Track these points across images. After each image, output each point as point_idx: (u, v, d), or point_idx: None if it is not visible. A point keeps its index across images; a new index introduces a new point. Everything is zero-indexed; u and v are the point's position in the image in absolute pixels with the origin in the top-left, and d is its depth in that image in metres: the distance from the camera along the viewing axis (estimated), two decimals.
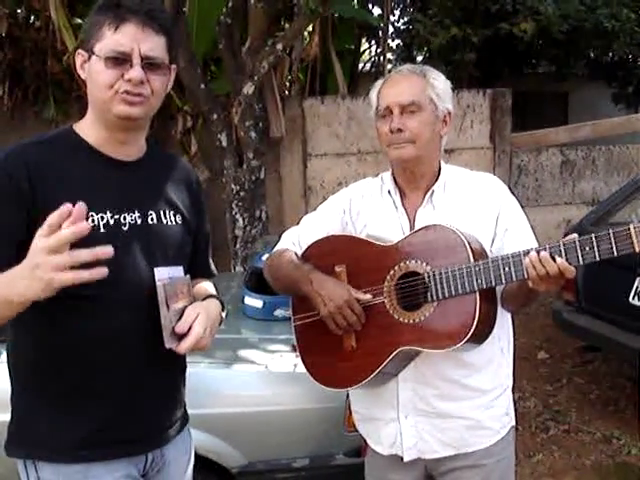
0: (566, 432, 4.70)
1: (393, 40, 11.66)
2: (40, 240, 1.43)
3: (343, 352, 2.11)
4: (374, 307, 2.06)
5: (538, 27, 8.94)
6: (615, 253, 1.75)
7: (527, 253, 1.85)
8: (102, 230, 1.72)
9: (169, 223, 1.88)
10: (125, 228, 1.77)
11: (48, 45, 7.47)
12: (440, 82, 2.16)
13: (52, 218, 1.42)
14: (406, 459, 2.18)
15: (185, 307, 1.81)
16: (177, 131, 7.75)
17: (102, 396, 1.78)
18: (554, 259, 1.80)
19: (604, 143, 8.95)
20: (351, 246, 2.17)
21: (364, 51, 11.54)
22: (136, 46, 1.71)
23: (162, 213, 1.87)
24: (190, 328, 1.76)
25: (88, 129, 1.82)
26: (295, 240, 2.30)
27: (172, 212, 1.90)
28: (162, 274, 1.77)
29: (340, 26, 9.06)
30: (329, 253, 2.18)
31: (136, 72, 1.71)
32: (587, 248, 1.78)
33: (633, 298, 4.41)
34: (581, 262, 1.79)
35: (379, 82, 2.21)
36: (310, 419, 2.58)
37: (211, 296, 1.98)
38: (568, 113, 14.07)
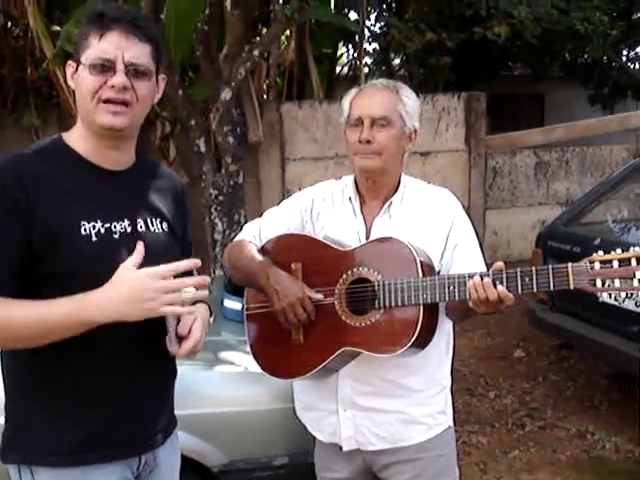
0: (542, 428, 4.78)
1: (370, 44, 11.74)
2: (159, 280, 1.66)
3: (291, 345, 2.21)
4: (324, 307, 2.16)
5: (512, 31, 9.05)
6: (551, 287, 1.89)
7: (472, 276, 1.95)
8: (94, 239, 1.75)
9: (157, 230, 1.90)
10: (116, 236, 1.79)
11: (27, 52, 7.46)
12: (411, 100, 2.25)
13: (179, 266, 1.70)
14: (345, 449, 2.29)
15: None
16: (156, 137, 7.78)
17: (100, 400, 1.81)
18: (495, 286, 1.91)
19: (578, 144, 9.07)
20: (309, 246, 2.27)
21: (341, 55, 11.60)
22: (120, 53, 1.73)
23: (150, 221, 1.89)
24: (190, 331, 1.81)
25: (77, 139, 1.84)
26: (256, 233, 2.39)
27: (159, 220, 1.92)
28: None
29: (317, 31, 9.11)
30: (287, 250, 2.29)
31: (119, 78, 1.73)
32: (527, 279, 1.91)
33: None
34: (520, 292, 1.92)
35: (353, 91, 2.30)
36: (289, 418, 2.62)
37: (200, 301, 2.01)
38: (544, 114, 14.21)
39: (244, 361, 2.94)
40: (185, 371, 2.79)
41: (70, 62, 1.82)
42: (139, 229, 1.86)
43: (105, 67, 1.74)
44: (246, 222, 6.66)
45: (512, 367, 5.93)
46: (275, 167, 8.13)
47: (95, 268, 1.73)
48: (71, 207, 1.75)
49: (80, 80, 1.77)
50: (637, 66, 13.57)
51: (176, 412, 2.10)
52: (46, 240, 1.70)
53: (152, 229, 1.90)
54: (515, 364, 6.00)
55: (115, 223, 1.81)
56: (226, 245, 6.89)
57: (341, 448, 2.30)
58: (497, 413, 5.03)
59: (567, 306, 4.98)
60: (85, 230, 1.75)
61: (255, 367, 2.33)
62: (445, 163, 8.34)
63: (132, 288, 1.65)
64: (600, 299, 4.47)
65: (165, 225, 1.94)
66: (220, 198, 6.65)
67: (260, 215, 2.49)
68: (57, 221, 1.72)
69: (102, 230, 1.77)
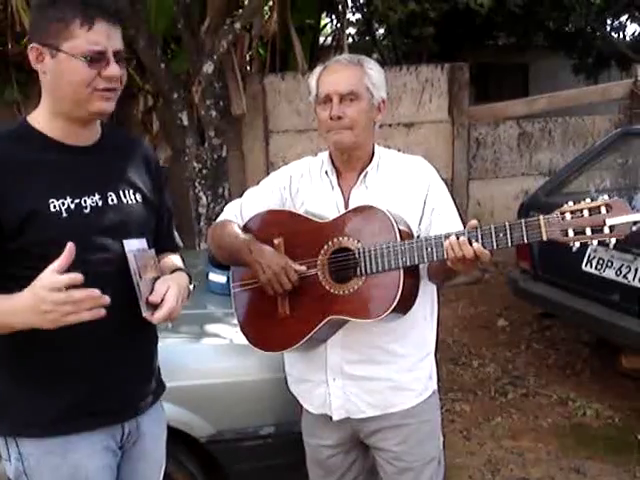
0: (524, 396, 4.86)
1: (353, 14, 11.67)
2: (53, 293, 1.58)
3: (277, 318, 2.26)
4: (308, 278, 2.21)
5: (495, 0, 9.02)
6: (525, 240, 1.91)
7: (448, 236, 1.99)
8: (64, 215, 1.77)
9: (130, 202, 1.92)
10: (87, 211, 1.81)
11: (7, 27, 7.37)
12: (376, 72, 2.28)
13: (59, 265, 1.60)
14: (335, 418, 2.34)
15: (155, 279, 1.88)
16: (138, 110, 7.74)
17: (76, 370, 1.84)
18: (471, 243, 1.95)
19: (560, 115, 9.09)
20: (289, 220, 2.31)
21: (324, 26, 11.52)
22: (109, 43, 1.76)
23: (122, 193, 1.91)
24: (163, 300, 1.83)
25: (43, 121, 1.84)
26: (237, 212, 2.44)
27: (132, 191, 1.94)
28: (131, 245, 1.84)
29: (300, 1, 9.02)
30: (269, 226, 2.33)
31: (115, 69, 1.76)
32: (501, 234, 1.93)
33: (586, 265, 4.55)
34: (495, 247, 1.95)
35: (318, 69, 2.33)
36: (274, 388, 2.66)
37: (179, 269, 2.05)
38: (529, 84, 14.22)
39: (230, 333, 2.97)
40: (172, 344, 2.85)
41: (36, 45, 1.77)
42: (110, 202, 1.88)
43: (97, 58, 1.75)
44: (230, 195, 6.71)
45: (495, 336, 6.01)
46: (259, 140, 8.10)
47: (67, 244, 1.75)
48: (39, 186, 1.77)
49: (67, 70, 1.75)
50: (621, 36, 13.59)
51: None
52: (16, 221, 1.72)
53: (125, 201, 1.92)
54: (498, 333, 6.08)
55: (85, 198, 1.83)
56: (211, 218, 6.90)
57: (331, 418, 2.35)
58: (480, 381, 5.10)
59: (549, 276, 5.03)
60: (55, 207, 1.77)
61: (240, 339, 2.37)
62: (428, 134, 8.34)
63: (32, 300, 1.61)
64: (583, 269, 4.52)
65: (139, 196, 1.96)
66: (204, 172, 6.63)
67: (244, 188, 2.51)
68: (26, 201, 1.73)
69: (72, 206, 1.79)
